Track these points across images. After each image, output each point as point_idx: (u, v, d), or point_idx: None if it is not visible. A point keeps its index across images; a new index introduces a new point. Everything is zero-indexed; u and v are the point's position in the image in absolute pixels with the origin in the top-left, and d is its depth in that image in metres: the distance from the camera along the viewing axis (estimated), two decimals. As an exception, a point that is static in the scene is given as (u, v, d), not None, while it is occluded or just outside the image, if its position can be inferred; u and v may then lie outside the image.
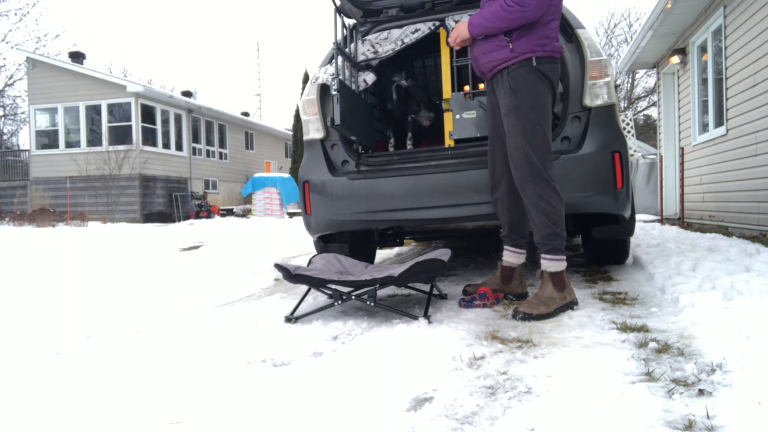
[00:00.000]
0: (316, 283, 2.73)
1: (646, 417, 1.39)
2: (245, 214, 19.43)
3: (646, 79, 29.63)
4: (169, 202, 18.64)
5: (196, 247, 7.46)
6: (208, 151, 21.87)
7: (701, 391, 1.52)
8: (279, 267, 2.78)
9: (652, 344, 1.96)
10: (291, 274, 2.71)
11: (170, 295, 3.57)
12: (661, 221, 8.55)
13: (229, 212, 19.99)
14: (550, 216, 2.60)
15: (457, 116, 3.59)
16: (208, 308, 3.20)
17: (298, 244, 7.07)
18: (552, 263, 2.61)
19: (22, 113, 26.52)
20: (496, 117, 2.79)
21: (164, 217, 18.20)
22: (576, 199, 3.02)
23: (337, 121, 3.17)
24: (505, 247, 2.98)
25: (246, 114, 27.53)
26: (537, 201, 2.61)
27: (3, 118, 28.16)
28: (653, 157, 12.93)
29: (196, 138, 21.16)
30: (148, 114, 18.49)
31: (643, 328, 2.20)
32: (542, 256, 2.65)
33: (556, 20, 2.65)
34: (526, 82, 2.58)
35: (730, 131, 6.53)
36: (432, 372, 1.80)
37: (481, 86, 3.81)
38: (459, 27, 2.74)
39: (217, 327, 2.68)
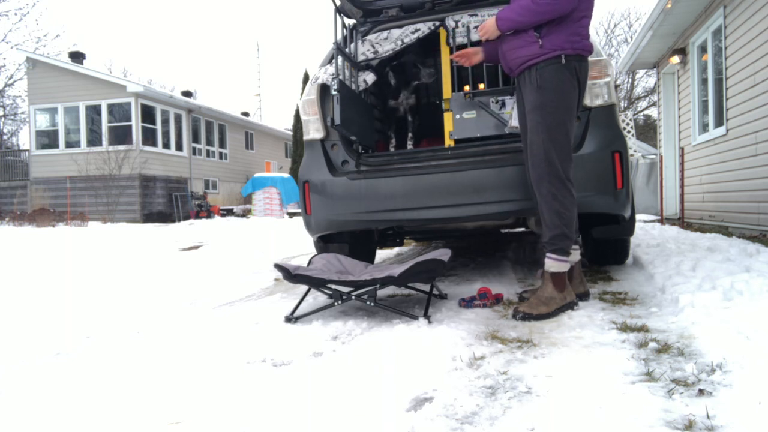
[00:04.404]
0: (316, 283, 2.73)
1: (646, 417, 1.39)
2: (245, 214, 19.43)
3: (646, 79, 29.66)
4: (169, 202, 18.63)
5: (196, 247, 7.46)
6: (208, 151, 21.87)
7: (701, 391, 1.52)
8: (279, 267, 2.78)
9: (652, 344, 1.95)
10: (291, 274, 2.71)
11: (170, 295, 3.57)
12: (661, 221, 8.55)
13: (229, 212, 19.99)
14: (562, 217, 2.59)
15: (457, 116, 3.59)
16: (208, 308, 3.20)
17: (298, 244, 7.06)
18: (556, 263, 2.61)
19: (22, 113, 26.53)
20: (525, 114, 2.75)
21: (164, 217, 18.20)
22: (576, 199, 3.02)
23: (337, 121, 3.17)
24: None
25: (246, 114, 27.53)
26: (551, 201, 2.59)
27: (3, 118, 28.17)
28: (653, 157, 12.92)
29: (196, 138, 21.16)
30: (148, 114, 18.48)
31: (643, 328, 2.20)
32: (547, 255, 2.64)
33: (587, 17, 2.61)
34: (553, 80, 2.55)
35: (730, 131, 6.53)
36: (432, 372, 1.80)
37: (481, 86, 3.81)
38: (486, 24, 2.71)
39: (217, 327, 2.68)
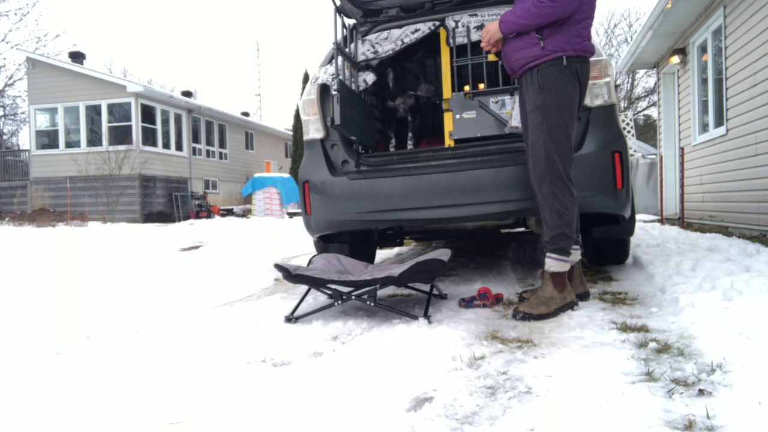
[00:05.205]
0: (316, 283, 2.73)
1: (646, 417, 1.39)
2: (245, 214, 19.43)
3: (646, 79, 29.65)
4: (169, 202, 18.63)
5: (196, 247, 7.46)
6: (208, 151, 21.87)
7: (701, 391, 1.52)
8: (279, 267, 2.78)
9: (652, 344, 1.96)
10: (291, 274, 2.71)
11: (170, 295, 3.57)
12: (661, 221, 8.55)
13: (229, 212, 19.99)
14: (563, 217, 2.60)
15: (457, 116, 3.59)
16: (208, 308, 3.20)
17: (298, 244, 7.07)
18: (556, 263, 2.61)
19: (22, 113, 26.56)
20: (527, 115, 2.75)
21: (164, 217, 18.20)
22: (576, 199, 3.02)
23: (337, 121, 3.17)
24: None
25: (246, 114, 27.54)
26: (551, 200, 2.60)
27: (3, 118, 28.18)
28: (653, 157, 12.93)
29: (196, 138, 21.16)
30: (148, 114, 18.49)
31: (643, 328, 2.20)
32: (547, 255, 2.64)
33: (589, 19, 2.62)
34: (554, 81, 2.56)
35: (730, 131, 6.53)
36: (432, 372, 1.80)
37: (481, 86, 3.81)
38: (489, 27, 2.71)
39: (217, 327, 2.68)
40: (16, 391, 1.83)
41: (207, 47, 75.64)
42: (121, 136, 17.93)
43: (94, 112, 18.38)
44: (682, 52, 8.53)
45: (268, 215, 18.17)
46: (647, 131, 29.19)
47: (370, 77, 3.86)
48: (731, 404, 1.41)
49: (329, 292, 2.76)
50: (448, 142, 3.66)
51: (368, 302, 2.61)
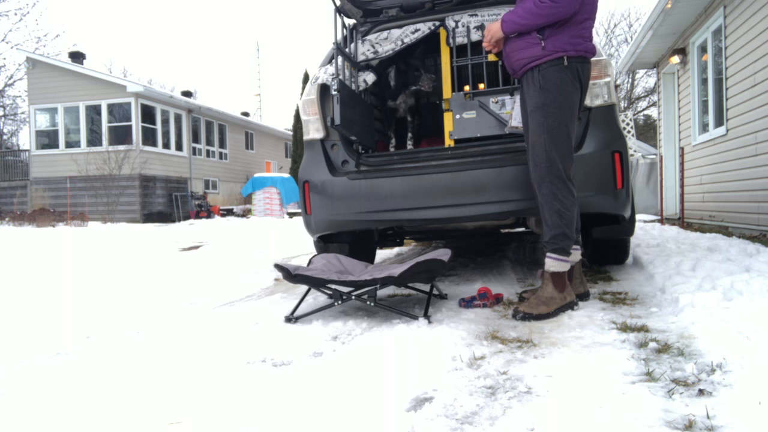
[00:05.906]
0: (316, 283, 2.73)
1: (646, 417, 1.39)
2: (245, 214, 19.43)
3: (646, 79, 29.64)
4: (169, 202, 18.63)
5: (196, 247, 7.46)
6: (208, 151, 21.87)
7: (701, 391, 1.52)
8: (279, 267, 2.78)
9: (652, 344, 1.96)
10: (291, 274, 2.71)
11: (170, 295, 3.57)
12: (661, 221, 8.55)
13: (229, 212, 19.99)
14: (563, 216, 2.60)
15: (457, 116, 3.59)
16: (208, 308, 3.20)
17: (298, 244, 7.07)
18: (556, 263, 2.61)
19: (22, 113, 26.56)
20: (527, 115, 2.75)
21: (164, 217, 18.20)
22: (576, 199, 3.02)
23: (337, 121, 3.17)
24: None
25: (246, 114, 27.54)
26: (551, 200, 2.60)
27: (3, 118, 28.18)
28: (653, 157, 12.93)
29: (196, 138, 21.16)
30: (148, 114, 18.49)
31: (643, 328, 2.20)
32: (547, 255, 2.64)
33: (590, 20, 2.63)
34: (555, 81, 2.57)
35: (730, 131, 6.53)
36: (432, 372, 1.80)
37: (481, 86, 3.81)
38: (491, 27, 2.72)
39: (217, 327, 2.68)
40: (16, 391, 1.83)
41: (207, 47, 75.70)
42: (121, 136, 17.92)
43: (94, 112, 18.38)
44: (682, 52, 8.53)
45: (268, 215, 18.17)
46: (647, 131, 29.19)
47: (370, 77, 3.86)
48: (731, 404, 1.41)
49: (329, 292, 2.76)
50: (448, 142, 3.66)
51: (368, 302, 2.61)
